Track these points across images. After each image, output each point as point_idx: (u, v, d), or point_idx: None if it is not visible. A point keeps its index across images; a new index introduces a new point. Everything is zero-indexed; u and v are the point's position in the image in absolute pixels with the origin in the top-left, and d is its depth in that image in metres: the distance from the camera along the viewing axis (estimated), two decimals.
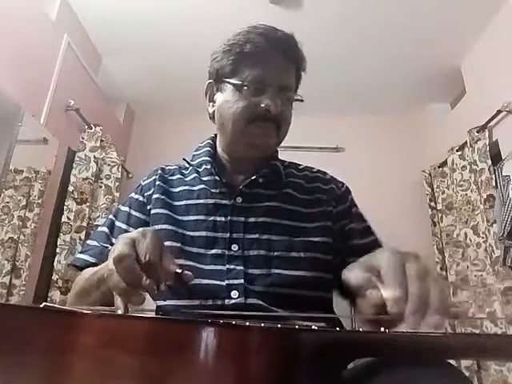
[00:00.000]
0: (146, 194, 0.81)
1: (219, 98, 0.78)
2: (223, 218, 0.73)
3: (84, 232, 2.17)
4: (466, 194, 2.27)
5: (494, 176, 2.04)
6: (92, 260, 0.75)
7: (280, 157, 0.86)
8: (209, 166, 0.79)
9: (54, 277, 2.01)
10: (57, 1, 2.16)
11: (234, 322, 0.35)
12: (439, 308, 0.40)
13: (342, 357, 0.39)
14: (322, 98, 2.85)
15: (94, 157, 2.33)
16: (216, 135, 0.85)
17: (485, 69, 2.32)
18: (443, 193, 2.56)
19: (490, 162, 2.09)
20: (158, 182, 0.81)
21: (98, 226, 2.22)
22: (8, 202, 1.74)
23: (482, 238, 2.08)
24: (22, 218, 1.81)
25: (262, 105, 0.71)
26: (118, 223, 0.80)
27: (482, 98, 2.31)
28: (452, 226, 2.43)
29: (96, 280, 0.57)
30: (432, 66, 2.63)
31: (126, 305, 0.45)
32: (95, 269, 0.61)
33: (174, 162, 0.89)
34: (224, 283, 0.66)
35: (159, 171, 0.85)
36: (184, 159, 0.87)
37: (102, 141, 2.42)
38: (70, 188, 2.20)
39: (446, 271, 2.39)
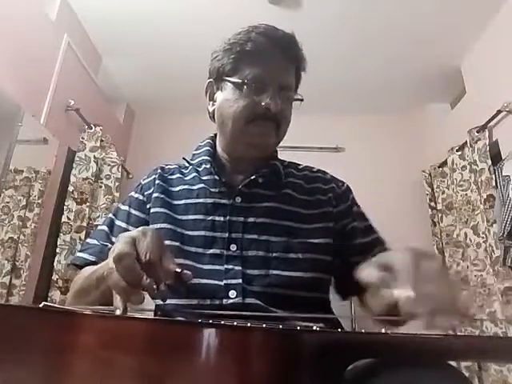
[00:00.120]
0: (145, 193, 0.81)
1: (219, 96, 0.78)
2: (222, 218, 0.73)
3: (84, 232, 2.17)
4: (466, 194, 2.27)
5: (494, 176, 2.04)
6: (92, 258, 0.74)
7: (280, 157, 0.86)
8: (208, 166, 0.79)
9: (54, 277, 2.01)
10: (57, 1, 2.16)
11: (235, 323, 0.35)
12: (454, 309, 0.39)
13: (342, 358, 0.39)
14: (322, 98, 2.85)
15: (94, 157, 2.33)
16: (216, 135, 0.85)
17: (485, 69, 2.31)
18: (443, 193, 2.56)
19: (489, 161, 2.09)
20: (157, 181, 0.81)
21: (97, 225, 2.21)
22: (8, 202, 1.73)
23: (482, 237, 2.08)
24: (22, 218, 1.81)
25: (262, 103, 0.71)
26: (117, 222, 0.80)
27: (482, 98, 2.31)
28: (452, 226, 2.43)
29: (95, 279, 0.57)
30: (432, 66, 2.63)
31: (125, 304, 0.45)
32: (94, 268, 0.61)
33: (174, 161, 0.89)
34: (222, 283, 0.66)
35: (159, 170, 0.85)
36: (184, 158, 0.87)
37: (102, 141, 2.42)
38: (70, 188, 2.20)
39: None
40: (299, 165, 0.88)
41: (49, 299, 1.96)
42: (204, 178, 0.79)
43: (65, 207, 2.15)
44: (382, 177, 2.91)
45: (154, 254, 0.46)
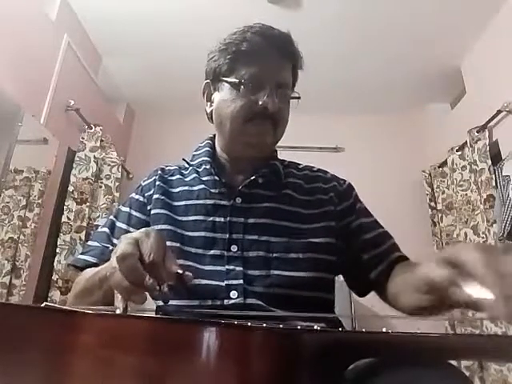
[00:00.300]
0: (146, 195, 0.81)
1: (217, 97, 0.78)
2: (222, 219, 0.73)
3: (84, 232, 2.17)
4: (466, 194, 2.27)
5: (494, 176, 2.04)
6: (93, 260, 0.75)
7: (280, 157, 0.86)
8: (208, 166, 0.79)
9: (54, 277, 2.01)
10: (57, 1, 2.16)
11: (235, 322, 0.35)
12: None
13: (343, 357, 0.39)
14: (321, 98, 2.85)
15: (94, 157, 2.33)
16: (215, 135, 0.85)
17: (485, 69, 2.31)
18: (443, 193, 2.56)
19: (489, 161, 2.09)
20: (158, 183, 0.81)
21: (98, 226, 2.21)
22: (8, 202, 1.73)
23: (482, 237, 2.08)
24: (22, 218, 1.81)
25: (260, 102, 0.71)
26: (118, 224, 0.80)
27: (482, 97, 2.31)
28: (452, 226, 2.43)
29: (98, 279, 0.57)
30: (432, 66, 2.63)
31: (125, 304, 0.45)
32: (97, 269, 0.61)
33: (174, 162, 0.89)
34: (223, 284, 0.66)
35: (159, 171, 0.85)
36: (184, 159, 0.87)
37: (102, 141, 2.42)
38: (70, 188, 2.20)
39: None
40: (299, 164, 0.88)
41: (49, 299, 1.96)
42: (204, 178, 0.79)
43: (65, 207, 2.15)
44: (382, 177, 2.91)
45: (157, 255, 0.46)
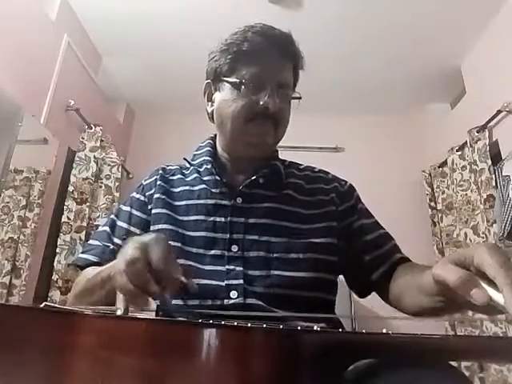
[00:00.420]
0: (147, 194, 0.81)
1: (218, 97, 0.78)
2: (223, 219, 0.73)
3: (84, 232, 2.16)
4: (466, 194, 2.27)
5: (494, 176, 2.04)
6: (94, 259, 0.75)
7: (280, 157, 0.86)
8: (209, 166, 0.79)
9: (54, 277, 2.01)
10: (57, 1, 2.16)
11: (235, 323, 0.35)
12: None
13: (343, 358, 0.39)
14: (322, 98, 2.85)
15: (94, 157, 2.33)
16: (216, 135, 0.85)
17: (485, 69, 2.31)
18: (443, 193, 2.56)
19: (490, 161, 2.09)
20: (158, 182, 0.81)
21: (98, 226, 2.22)
22: (8, 202, 1.73)
23: (482, 237, 2.08)
24: (22, 218, 1.81)
25: (261, 102, 0.71)
26: (119, 223, 0.80)
27: (482, 97, 2.31)
28: (452, 226, 2.43)
29: (100, 280, 0.58)
30: (432, 66, 2.63)
31: (127, 305, 0.46)
32: (99, 269, 0.61)
33: (174, 161, 0.89)
34: (223, 283, 0.66)
35: (160, 171, 0.85)
36: (185, 159, 0.87)
37: (102, 141, 2.42)
38: (70, 188, 2.20)
39: None
40: (300, 165, 0.88)
41: (49, 299, 1.96)
42: (205, 178, 0.79)
43: (65, 207, 2.15)
44: (382, 177, 2.91)
45: (164, 263, 0.47)
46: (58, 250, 2.06)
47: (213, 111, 0.80)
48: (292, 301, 0.66)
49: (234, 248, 0.70)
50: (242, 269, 0.68)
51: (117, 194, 2.48)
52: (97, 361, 0.34)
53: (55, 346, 0.35)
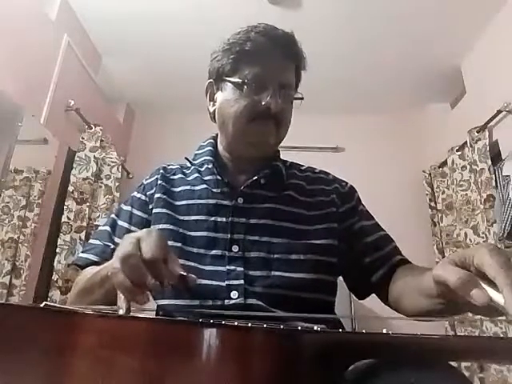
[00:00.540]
0: (148, 193, 0.81)
1: (220, 97, 0.78)
2: (224, 219, 0.73)
3: (84, 232, 2.16)
4: (466, 194, 2.27)
5: (494, 176, 2.04)
6: (94, 259, 0.75)
7: (281, 157, 0.86)
8: (210, 166, 0.79)
9: (54, 277, 2.01)
10: (57, 0, 2.16)
11: (236, 323, 0.35)
12: None
13: (343, 358, 0.39)
14: (322, 98, 2.85)
15: (94, 157, 2.33)
16: (218, 134, 0.85)
17: (485, 69, 2.31)
18: (443, 193, 2.56)
19: (490, 161, 2.09)
20: (159, 182, 0.81)
21: (98, 226, 2.21)
22: (8, 202, 1.73)
23: (482, 237, 2.08)
24: (22, 218, 1.81)
25: (263, 102, 0.71)
26: (120, 222, 0.80)
27: (482, 97, 2.31)
28: (452, 226, 2.43)
29: (99, 278, 0.57)
30: (432, 66, 2.63)
31: (128, 304, 0.45)
32: (98, 268, 0.61)
33: (175, 161, 0.89)
34: (224, 284, 0.66)
35: (161, 170, 0.85)
36: (186, 158, 0.87)
37: (102, 141, 2.42)
38: (70, 188, 2.20)
39: None
40: (302, 166, 0.88)
41: (49, 299, 1.96)
42: (206, 178, 0.79)
43: (65, 207, 2.15)
44: (381, 177, 2.91)
45: (157, 253, 0.46)
46: (58, 250, 2.06)
47: (215, 111, 0.80)
48: (292, 302, 0.66)
49: (235, 248, 0.70)
50: (242, 269, 0.67)
51: (117, 194, 2.48)
52: (97, 360, 0.34)
53: (55, 345, 0.35)
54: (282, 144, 0.82)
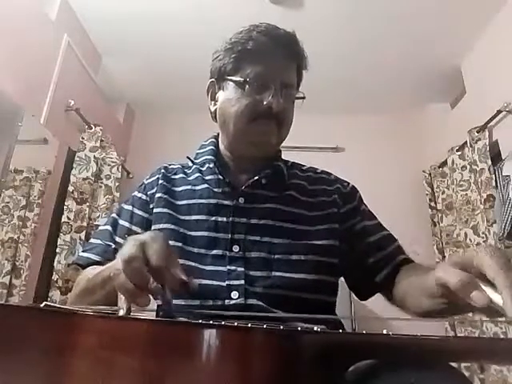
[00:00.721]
0: (149, 193, 0.81)
1: (221, 96, 0.78)
2: (225, 219, 0.72)
3: (84, 232, 2.16)
4: (466, 194, 2.27)
5: (494, 176, 2.04)
6: (95, 258, 0.74)
7: (283, 157, 0.85)
8: (212, 165, 0.79)
9: (54, 277, 2.01)
10: (57, 1, 2.16)
11: (235, 324, 0.35)
12: None
13: (343, 359, 0.39)
14: (322, 98, 2.85)
15: (94, 157, 2.33)
16: (219, 134, 0.85)
17: (485, 69, 2.31)
18: (443, 193, 2.56)
19: (490, 161, 2.09)
20: (160, 181, 0.81)
21: (98, 226, 2.21)
22: (8, 202, 1.73)
23: (482, 237, 2.08)
24: (22, 218, 1.81)
25: (264, 102, 0.71)
26: (121, 221, 0.79)
27: (482, 97, 2.31)
28: (452, 226, 2.43)
29: (100, 279, 0.57)
30: (432, 66, 2.63)
31: (129, 305, 0.45)
32: (100, 268, 0.61)
33: (176, 161, 0.89)
34: (224, 284, 0.66)
35: (162, 170, 0.85)
36: (188, 157, 0.87)
37: (102, 141, 2.42)
38: (70, 188, 2.20)
39: None
40: (303, 166, 0.88)
41: (49, 299, 1.96)
42: (207, 177, 0.79)
43: (65, 207, 2.15)
44: (381, 177, 2.91)
45: (162, 260, 0.47)
46: (58, 250, 2.06)
47: (216, 110, 0.80)
48: (292, 302, 0.66)
49: (236, 248, 0.70)
50: (243, 269, 0.67)
51: (117, 194, 2.48)
52: (97, 361, 0.34)
53: (55, 345, 0.35)
54: (282, 144, 0.81)
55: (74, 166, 2.26)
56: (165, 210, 0.76)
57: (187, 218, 0.74)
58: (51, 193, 2.08)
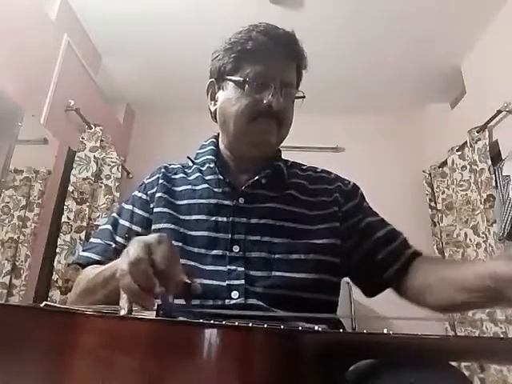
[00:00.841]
0: (149, 193, 0.81)
1: (221, 96, 0.78)
2: (225, 219, 0.72)
3: (84, 232, 2.16)
4: (466, 194, 2.27)
5: (494, 176, 2.04)
6: (96, 257, 0.75)
7: (283, 157, 0.85)
8: (212, 165, 0.79)
9: (54, 277, 2.01)
10: (57, 1, 2.16)
11: (236, 323, 0.35)
12: None
13: (344, 358, 0.39)
14: (322, 98, 2.85)
15: (94, 157, 2.33)
16: (219, 134, 0.85)
17: (485, 69, 2.31)
18: (443, 193, 2.56)
19: (490, 162, 2.09)
20: (161, 181, 0.81)
21: (98, 226, 2.21)
22: (8, 202, 1.73)
23: (482, 237, 2.08)
24: (22, 218, 1.81)
25: (264, 101, 0.71)
26: (121, 221, 0.80)
27: (482, 97, 2.31)
28: (452, 226, 2.43)
29: (102, 279, 0.58)
30: (432, 66, 2.63)
31: (131, 305, 0.46)
32: (100, 268, 0.61)
33: (176, 161, 0.89)
34: (225, 284, 0.66)
35: (162, 170, 0.85)
36: (188, 157, 0.87)
37: (102, 141, 2.42)
38: (70, 188, 2.20)
39: None
40: (303, 165, 0.88)
41: (49, 299, 1.96)
42: (207, 177, 0.79)
43: (65, 207, 2.15)
44: (381, 177, 2.91)
45: (168, 263, 0.47)
46: (58, 250, 2.06)
47: (216, 110, 0.80)
48: (293, 302, 0.66)
49: (236, 248, 0.70)
50: (243, 269, 0.67)
51: (117, 194, 2.48)
52: (98, 361, 0.34)
53: (56, 345, 0.36)
54: (282, 144, 0.81)
55: (74, 166, 2.26)
56: (165, 210, 0.76)
57: (187, 217, 0.74)
58: (51, 193, 2.08)
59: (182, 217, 0.75)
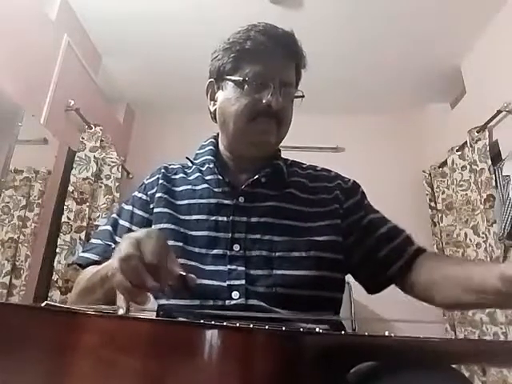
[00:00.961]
0: (149, 193, 0.81)
1: (220, 96, 0.78)
2: (225, 218, 0.72)
3: (84, 232, 2.16)
4: (466, 194, 2.27)
5: (494, 176, 2.04)
6: (95, 258, 0.75)
7: (282, 156, 0.85)
8: (212, 165, 0.79)
9: (54, 277, 2.01)
10: (57, 1, 2.16)
11: (237, 324, 0.35)
12: None
13: (345, 360, 0.39)
14: (322, 98, 2.85)
15: (94, 157, 2.33)
16: (219, 134, 0.85)
17: (485, 69, 2.31)
18: (443, 193, 2.56)
19: (490, 161, 2.08)
20: (160, 181, 0.81)
21: (98, 226, 2.21)
22: (8, 202, 1.73)
23: (482, 237, 2.08)
24: (22, 218, 1.80)
25: (264, 101, 0.71)
26: (121, 222, 0.80)
27: (482, 97, 2.31)
28: (452, 226, 2.43)
29: (99, 278, 0.57)
30: (432, 66, 2.63)
31: (128, 304, 0.45)
32: (98, 267, 0.61)
33: (176, 161, 0.89)
34: (225, 284, 0.66)
35: (162, 170, 0.85)
36: (187, 158, 0.87)
37: (102, 141, 2.42)
38: (70, 188, 2.19)
39: None
40: (303, 164, 0.88)
41: (49, 299, 1.96)
42: (207, 177, 0.79)
43: (65, 207, 2.15)
44: (381, 177, 2.90)
45: (158, 256, 0.46)
46: (58, 250, 2.06)
47: (215, 110, 0.80)
48: (295, 300, 0.66)
49: (236, 247, 0.70)
50: (243, 269, 0.67)
51: (117, 194, 2.48)
52: (98, 361, 0.34)
53: (56, 345, 0.35)
54: (282, 144, 0.81)
55: (74, 166, 2.26)
56: (165, 210, 0.76)
57: (187, 217, 0.74)
58: (51, 193, 2.08)
59: (182, 217, 0.75)
